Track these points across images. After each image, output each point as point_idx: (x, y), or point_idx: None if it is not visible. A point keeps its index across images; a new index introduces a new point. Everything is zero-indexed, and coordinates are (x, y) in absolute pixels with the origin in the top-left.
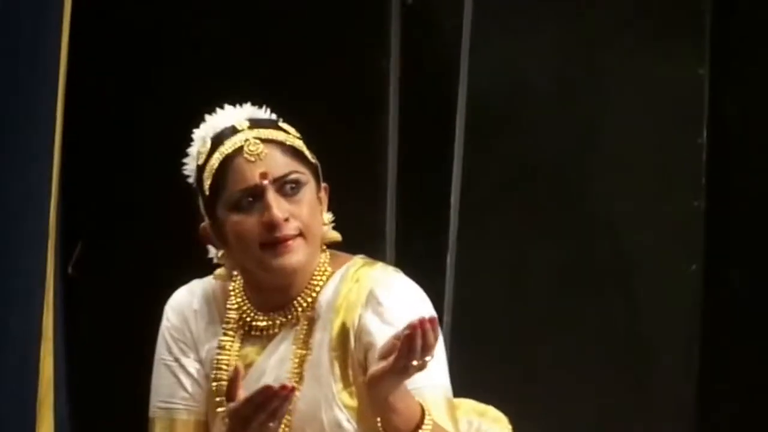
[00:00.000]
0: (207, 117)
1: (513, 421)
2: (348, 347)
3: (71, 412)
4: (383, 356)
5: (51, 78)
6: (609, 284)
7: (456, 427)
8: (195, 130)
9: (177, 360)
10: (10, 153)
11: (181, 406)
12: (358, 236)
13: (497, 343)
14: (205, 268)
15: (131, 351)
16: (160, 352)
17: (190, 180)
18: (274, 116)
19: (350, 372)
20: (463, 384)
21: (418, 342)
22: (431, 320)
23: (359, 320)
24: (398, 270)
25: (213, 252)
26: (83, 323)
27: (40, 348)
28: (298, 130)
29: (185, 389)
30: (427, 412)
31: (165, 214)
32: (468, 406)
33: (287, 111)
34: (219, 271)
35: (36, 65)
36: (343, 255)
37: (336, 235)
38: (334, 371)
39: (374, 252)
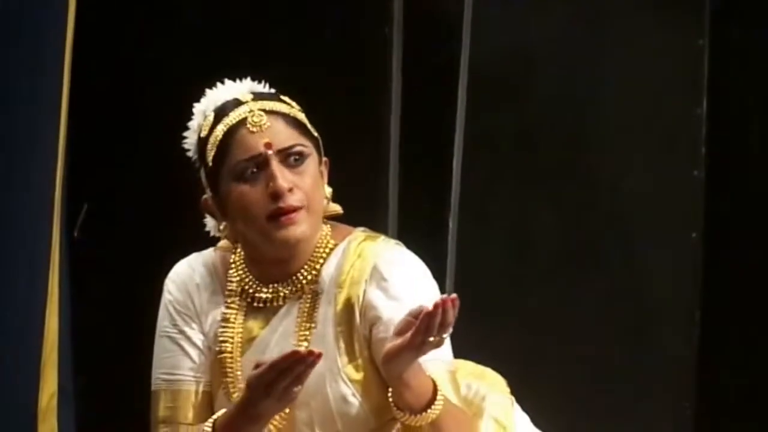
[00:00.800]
0: (207, 91)
1: (512, 385)
2: (353, 322)
3: (75, 371)
4: (399, 333)
5: (57, 46)
6: (610, 253)
7: (459, 402)
8: (195, 104)
9: (181, 332)
10: (17, 119)
11: (185, 377)
12: (360, 203)
13: (498, 308)
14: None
15: (135, 312)
16: (163, 325)
17: (190, 153)
18: (272, 90)
19: (356, 346)
20: (464, 350)
21: (437, 320)
22: (453, 299)
23: (364, 296)
24: (399, 243)
25: (210, 224)
26: (88, 284)
27: (45, 308)
28: (301, 96)
29: (190, 359)
30: (439, 389)
31: (168, 179)
32: (466, 369)
33: (291, 78)
34: (222, 242)
35: (43, 31)
36: (344, 227)
37: (337, 208)
38: (339, 345)
39: (377, 219)
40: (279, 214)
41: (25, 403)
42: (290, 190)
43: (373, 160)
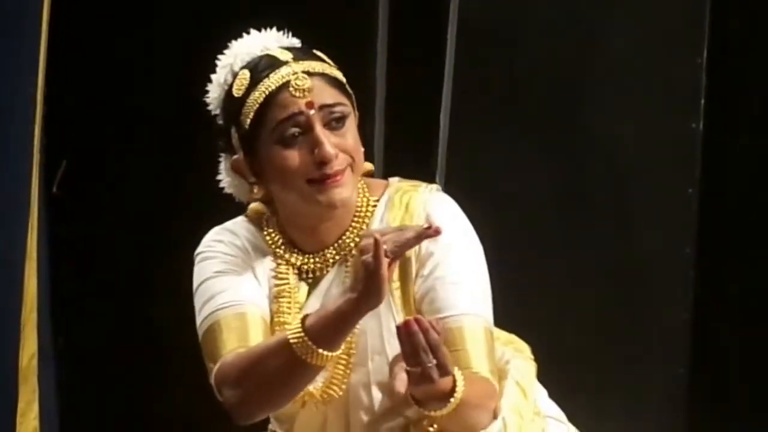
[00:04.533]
0: (233, 43)
1: None
2: (409, 276)
3: (55, 332)
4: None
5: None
6: (605, 206)
7: (492, 362)
8: (220, 57)
9: (240, 266)
10: None
11: (250, 303)
12: None
13: (490, 266)
14: (194, 189)
15: (116, 270)
16: (210, 270)
17: (212, 107)
18: (297, 41)
19: (411, 301)
20: None
21: (421, 343)
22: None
23: (420, 249)
24: (439, 188)
25: (226, 182)
26: (67, 245)
27: (24, 268)
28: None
29: (253, 290)
30: (457, 380)
31: (151, 134)
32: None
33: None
34: (253, 206)
35: None
36: (377, 181)
37: (369, 166)
38: (395, 302)
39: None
40: (324, 179)
41: (5, 363)
42: (336, 155)
43: (359, 113)
